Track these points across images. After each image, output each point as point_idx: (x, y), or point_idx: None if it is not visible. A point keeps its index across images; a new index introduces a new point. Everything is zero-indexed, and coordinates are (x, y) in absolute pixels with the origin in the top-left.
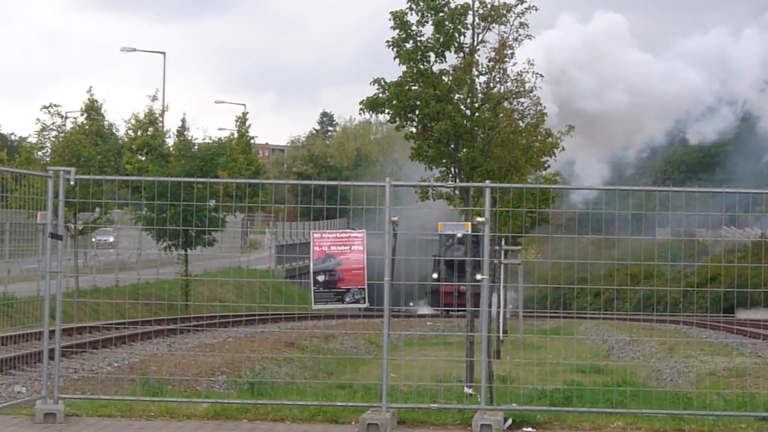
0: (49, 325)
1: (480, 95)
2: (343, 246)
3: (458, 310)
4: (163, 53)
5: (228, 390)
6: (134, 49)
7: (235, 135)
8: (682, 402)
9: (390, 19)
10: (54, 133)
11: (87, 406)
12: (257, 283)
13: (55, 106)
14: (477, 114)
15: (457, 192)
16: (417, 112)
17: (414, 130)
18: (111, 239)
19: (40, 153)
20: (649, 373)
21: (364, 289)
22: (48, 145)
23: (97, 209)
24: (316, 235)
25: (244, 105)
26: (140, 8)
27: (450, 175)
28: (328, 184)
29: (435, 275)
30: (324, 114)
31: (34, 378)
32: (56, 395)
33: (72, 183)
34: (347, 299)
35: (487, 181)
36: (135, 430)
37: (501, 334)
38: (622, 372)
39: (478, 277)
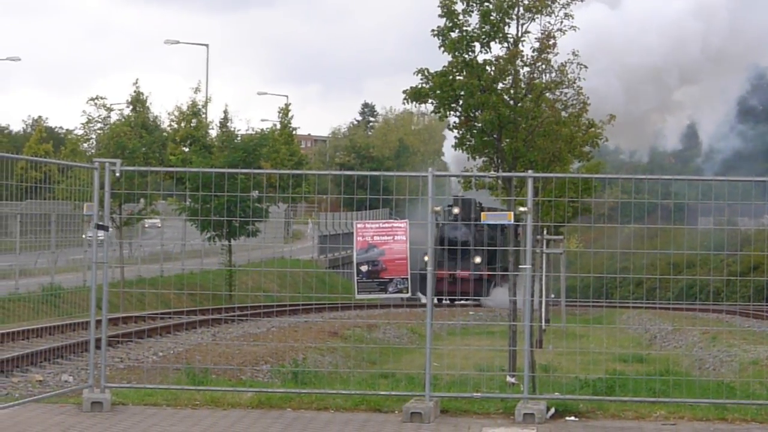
0: (96, 315)
1: (523, 86)
2: (386, 236)
3: (452, 299)
4: (207, 45)
5: (272, 379)
6: (178, 42)
7: (278, 126)
8: (725, 391)
9: (439, 6)
10: (99, 125)
11: (133, 395)
12: (300, 273)
13: (101, 98)
14: (520, 104)
15: (499, 182)
16: (461, 102)
17: (457, 120)
18: (158, 223)
19: (85, 145)
20: (692, 363)
21: (407, 278)
22: (93, 137)
23: (142, 200)
24: (359, 226)
25: (287, 96)
26: (184, 0)
27: (492, 166)
28: (370, 175)
29: (426, 258)
30: (365, 105)
31: (80, 367)
32: (103, 384)
33: (117, 174)
34: (390, 289)
35: (530, 171)
36: (180, 419)
37: (543, 324)
38: (665, 361)
39: (477, 260)
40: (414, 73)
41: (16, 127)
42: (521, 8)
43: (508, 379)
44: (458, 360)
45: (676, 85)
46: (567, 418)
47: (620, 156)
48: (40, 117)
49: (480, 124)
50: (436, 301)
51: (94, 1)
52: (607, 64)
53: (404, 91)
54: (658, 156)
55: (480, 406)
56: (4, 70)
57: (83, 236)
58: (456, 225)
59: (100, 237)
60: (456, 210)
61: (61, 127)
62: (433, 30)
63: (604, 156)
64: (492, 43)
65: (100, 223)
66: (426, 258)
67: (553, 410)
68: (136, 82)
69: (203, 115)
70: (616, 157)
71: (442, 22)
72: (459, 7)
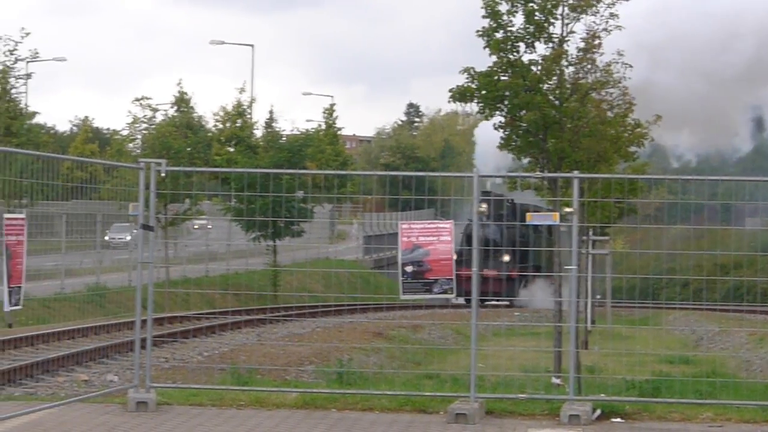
0: (141, 315)
1: (569, 86)
2: (431, 236)
3: (482, 300)
4: (252, 46)
5: (317, 379)
6: (223, 42)
7: (323, 126)
8: None
9: (482, 7)
10: (145, 125)
11: (178, 395)
12: (345, 273)
13: (146, 98)
14: (565, 104)
15: (545, 182)
16: (506, 102)
17: (502, 120)
18: (209, 225)
19: (131, 145)
20: (739, 364)
21: (452, 279)
22: (139, 137)
23: (187, 201)
24: (404, 226)
25: (332, 96)
26: (232, 1)
27: (538, 166)
28: (415, 175)
29: (455, 256)
30: (410, 105)
31: (125, 367)
32: (148, 384)
33: (163, 174)
34: (435, 290)
35: (576, 172)
36: (225, 419)
37: (589, 325)
38: (711, 363)
39: (506, 258)
40: (459, 72)
41: (63, 127)
42: (566, 8)
43: (554, 380)
44: (503, 361)
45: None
46: (613, 419)
47: (687, 157)
48: (86, 117)
49: (525, 125)
50: (463, 301)
51: (142, 1)
52: (686, 62)
53: (450, 91)
54: (732, 156)
55: (525, 408)
56: (51, 71)
57: (105, 238)
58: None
59: (120, 239)
60: (483, 207)
61: (107, 128)
62: (477, 31)
63: (663, 156)
64: (537, 43)
65: (146, 223)
66: (455, 257)
67: (598, 412)
68: (180, 83)
69: (248, 116)
70: (679, 158)
71: (487, 22)
72: (503, 7)
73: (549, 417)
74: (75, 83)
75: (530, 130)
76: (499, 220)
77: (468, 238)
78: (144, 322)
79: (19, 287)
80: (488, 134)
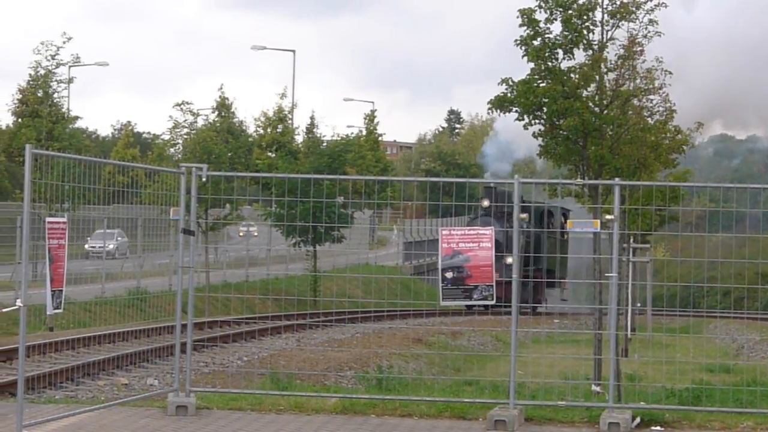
0: (182, 319)
1: (609, 92)
2: (471, 243)
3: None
4: (293, 51)
5: (356, 385)
6: (264, 47)
7: (364, 132)
8: None
9: (518, 17)
10: (186, 130)
11: (218, 399)
12: (385, 279)
13: (187, 103)
14: (605, 111)
15: (585, 189)
16: (545, 110)
17: (542, 127)
18: (255, 232)
19: (172, 150)
20: None
21: (492, 286)
22: (180, 142)
23: (228, 205)
24: (444, 232)
25: (373, 102)
26: (276, 6)
27: (578, 173)
28: (456, 182)
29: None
30: (451, 111)
31: (165, 371)
32: (188, 388)
33: (204, 179)
34: (475, 296)
35: (617, 179)
36: (265, 424)
37: (629, 333)
38: (752, 371)
39: (509, 261)
40: (498, 83)
41: (105, 132)
42: (605, 14)
43: (593, 388)
44: (543, 368)
45: None
46: (653, 427)
47: None
48: (127, 122)
49: (564, 132)
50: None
51: (185, 7)
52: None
53: (489, 101)
54: None
55: (564, 415)
56: (94, 76)
57: (85, 246)
58: (487, 220)
59: (101, 247)
60: (486, 203)
61: (148, 132)
62: (516, 40)
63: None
64: (575, 50)
65: (187, 228)
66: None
67: (638, 420)
68: (221, 88)
69: (289, 121)
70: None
71: (524, 31)
72: (540, 15)
73: (588, 425)
74: (118, 88)
75: (570, 137)
76: (503, 218)
77: None
78: (184, 326)
79: (61, 290)
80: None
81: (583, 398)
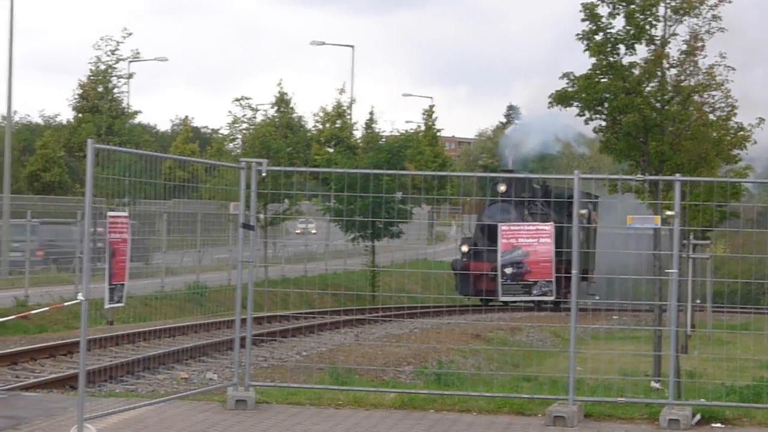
0: (241, 314)
1: (670, 88)
2: (530, 238)
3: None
4: (352, 47)
5: (414, 380)
6: (323, 43)
7: (422, 128)
8: None
9: (580, 11)
10: (245, 125)
11: (277, 393)
12: (444, 275)
13: (246, 98)
14: (667, 107)
15: (646, 185)
16: (606, 105)
17: (603, 123)
18: (313, 229)
19: (231, 145)
20: None
21: (551, 281)
22: (239, 137)
23: (286, 200)
24: (503, 228)
25: (431, 98)
26: (337, 1)
27: (638, 169)
28: (516, 177)
29: (465, 248)
30: (510, 107)
31: (224, 365)
32: (247, 383)
33: (264, 174)
34: (534, 292)
35: (677, 175)
36: (324, 418)
37: (689, 329)
38: None
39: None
40: (559, 78)
41: (164, 126)
42: (668, 10)
43: (653, 384)
44: (602, 364)
45: None
46: (713, 424)
47: None
48: (186, 117)
49: (625, 127)
50: (480, 301)
51: (246, 2)
52: None
53: (550, 95)
54: None
55: (624, 411)
56: (154, 71)
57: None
58: (503, 207)
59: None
60: (502, 188)
61: (206, 127)
62: (577, 34)
63: None
64: (637, 45)
65: (246, 222)
66: (464, 248)
67: (698, 417)
68: (280, 83)
69: (348, 116)
70: None
71: (586, 25)
72: (603, 10)
73: (648, 421)
74: (177, 83)
75: (630, 133)
76: (522, 205)
77: (482, 229)
78: (244, 321)
79: (122, 284)
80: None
81: (642, 395)
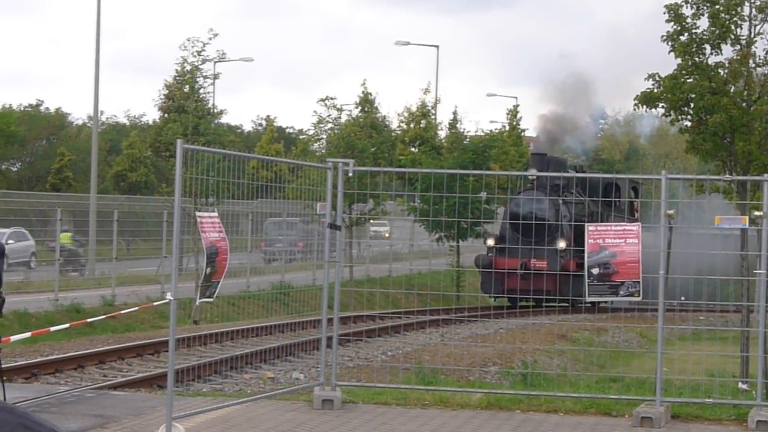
0: (327, 314)
1: (757, 87)
2: (617, 239)
3: (536, 300)
4: (437, 47)
5: (500, 381)
6: (408, 43)
7: (507, 128)
8: None
9: (665, 12)
10: (330, 125)
11: (363, 393)
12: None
13: (331, 98)
14: (754, 107)
15: (733, 186)
16: (692, 106)
17: (688, 123)
18: (386, 232)
19: (315, 145)
20: None
21: (638, 282)
22: (324, 137)
23: (371, 200)
24: (590, 228)
25: (516, 98)
26: (423, 1)
27: (725, 169)
28: (601, 177)
29: (491, 242)
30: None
31: (310, 365)
32: (334, 382)
33: (350, 174)
34: (621, 292)
35: (765, 175)
36: (410, 418)
37: None
38: None
39: (562, 245)
40: (645, 78)
41: (249, 126)
42: (753, 9)
43: (740, 385)
44: (689, 365)
45: None
46: None
47: None
48: (268, 116)
49: (712, 127)
50: (508, 302)
51: (334, 2)
52: None
53: (635, 97)
54: None
55: (711, 412)
56: (241, 72)
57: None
58: (534, 196)
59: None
60: (534, 172)
61: (291, 127)
62: (662, 35)
63: None
64: (723, 45)
65: (333, 222)
66: (490, 242)
67: None
68: (364, 83)
69: (432, 116)
70: None
71: (671, 26)
72: (687, 10)
73: (736, 422)
74: (263, 83)
75: (717, 133)
76: (555, 193)
77: (512, 218)
78: (330, 320)
79: (218, 282)
80: None
81: (730, 396)
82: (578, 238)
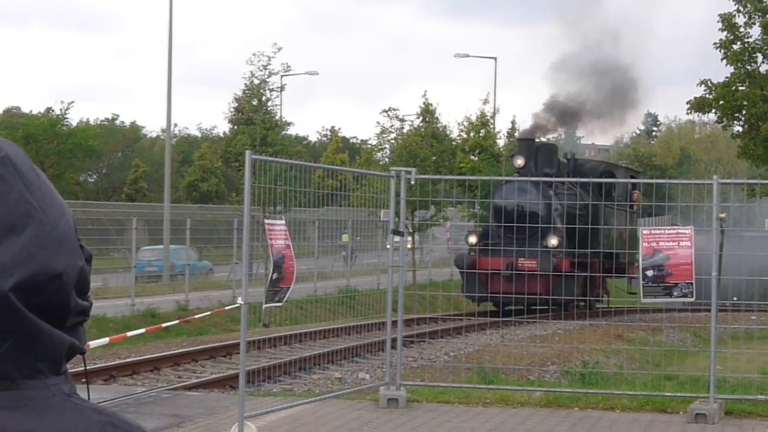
0: (392, 316)
1: None
2: (671, 242)
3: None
4: (495, 58)
5: (559, 379)
6: (467, 55)
7: (563, 136)
8: None
9: (718, 21)
10: (392, 135)
11: (426, 392)
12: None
13: (394, 109)
14: None
15: None
16: (744, 112)
17: (740, 129)
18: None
19: (378, 154)
20: None
21: (691, 283)
22: (387, 146)
23: (432, 207)
24: (644, 232)
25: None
26: (482, 14)
27: None
28: (655, 182)
29: (472, 239)
30: (648, 114)
31: (376, 366)
32: (398, 382)
33: (412, 183)
34: (675, 293)
35: None
36: (472, 416)
37: None
38: None
39: (553, 242)
40: (697, 85)
41: (314, 137)
42: None
43: None
44: (742, 363)
45: None
46: None
47: None
48: (333, 127)
49: (764, 134)
50: (494, 306)
51: (399, 15)
52: None
53: (688, 102)
54: None
55: (765, 409)
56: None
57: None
58: (521, 186)
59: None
60: (520, 161)
61: (355, 137)
62: (715, 43)
63: None
64: None
65: (396, 228)
66: (472, 239)
67: None
68: (425, 94)
69: (491, 126)
70: None
71: (724, 35)
72: (740, 19)
73: None
74: (329, 95)
75: None
76: (545, 181)
77: (496, 213)
78: (394, 322)
79: (288, 288)
80: None
81: None
82: (571, 234)
